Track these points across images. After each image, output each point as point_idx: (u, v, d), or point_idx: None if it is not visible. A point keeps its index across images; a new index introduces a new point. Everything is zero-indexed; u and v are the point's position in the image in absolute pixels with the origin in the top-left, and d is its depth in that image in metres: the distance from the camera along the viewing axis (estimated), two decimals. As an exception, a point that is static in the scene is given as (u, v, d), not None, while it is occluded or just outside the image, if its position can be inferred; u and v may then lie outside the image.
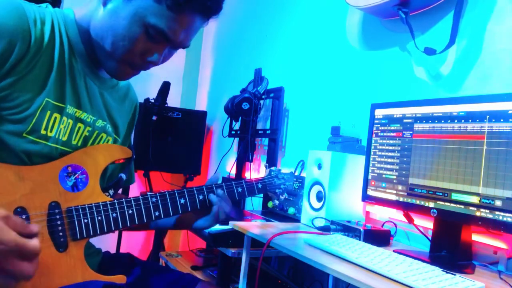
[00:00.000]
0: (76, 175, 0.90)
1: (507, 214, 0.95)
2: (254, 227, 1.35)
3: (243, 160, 2.24)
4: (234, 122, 2.33)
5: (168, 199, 0.98)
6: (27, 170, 0.84)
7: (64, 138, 0.91)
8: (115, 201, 0.93)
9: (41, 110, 0.84)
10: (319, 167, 1.46)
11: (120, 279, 0.91)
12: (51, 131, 0.87)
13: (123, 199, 0.93)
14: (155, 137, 2.55)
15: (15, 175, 0.82)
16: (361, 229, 1.21)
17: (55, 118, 0.87)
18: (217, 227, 1.52)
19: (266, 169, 1.27)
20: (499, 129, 0.99)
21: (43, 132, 0.86)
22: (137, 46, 0.87)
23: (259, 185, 1.14)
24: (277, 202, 1.27)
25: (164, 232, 2.68)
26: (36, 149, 0.86)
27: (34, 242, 0.70)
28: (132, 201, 0.94)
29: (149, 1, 0.83)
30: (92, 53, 0.93)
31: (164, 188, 2.75)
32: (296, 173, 1.88)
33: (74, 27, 0.90)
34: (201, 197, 1.02)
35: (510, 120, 0.97)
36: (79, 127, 0.94)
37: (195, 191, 1.01)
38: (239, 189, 1.09)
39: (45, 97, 0.85)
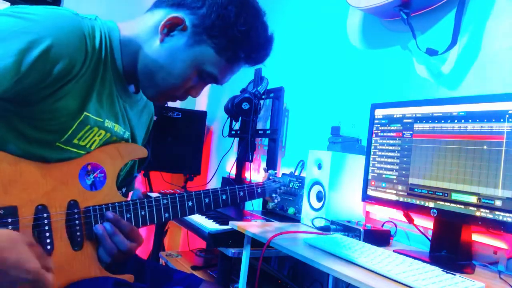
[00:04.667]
0: (95, 174, 0.92)
1: (507, 214, 0.95)
2: (254, 227, 1.35)
3: (243, 160, 2.24)
4: (234, 122, 2.33)
5: (178, 202, 1.01)
6: (49, 167, 0.85)
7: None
8: (130, 201, 0.95)
9: (79, 123, 0.85)
10: (319, 167, 1.46)
11: (129, 278, 0.93)
12: (83, 140, 0.89)
13: (137, 200, 0.96)
14: (155, 137, 2.55)
15: (39, 172, 0.84)
16: (361, 229, 1.21)
17: (93, 130, 0.89)
18: (217, 227, 1.52)
19: (265, 172, 1.28)
20: (499, 129, 0.99)
21: (75, 141, 0.87)
22: (186, 84, 0.92)
23: (259, 190, 1.19)
24: (271, 205, 1.29)
25: (164, 232, 2.68)
26: (67, 157, 0.87)
27: (52, 278, 0.70)
28: (145, 203, 0.96)
29: (210, 51, 0.89)
30: (128, 71, 0.93)
31: (164, 188, 2.76)
32: (296, 173, 1.88)
33: (117, 43, 0.90)
34: (207, 200, 1.05)
35: (510, 120, 0.97)
36: (113, 139, 0.96)
37: (202, 194, 1.04)
38: (241, 193, 1.13)
39: (85, 111, 0.85)
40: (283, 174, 1.81)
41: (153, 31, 0.90)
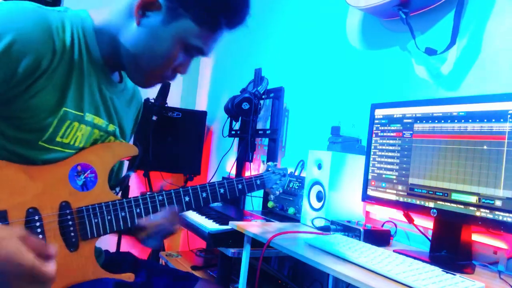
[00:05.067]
0: (86, 174, 0.91)
1: (507, 214, 0.95)
2: (254, 227, 1.35)
3: (243, 160, 2.24)
4: (234, 122, 2.33)
5: (174, 197, 1.00)
6: (37, 170, 0.84)
7: (81, 145, 0.92)
8: (124, 200, 0.94)
9: (59, 119, 0.83)
10: (319, 167, 1.46)
11: (129, 277, 0.93)
12: (66, 138, 0.87)
13: (131, 198, 0.95)
14: (155, 137, 2.55)
15: (26, 175, 0.82)
16: (361, 229, 1.21)
17: (73, 126, 0.87)
18: (217, 227, 1.52)
19: (263, 164, 1.27)
20: (501, 129, 0.99)
21: (58, 139, 0.85)
22: (173, 62, 0.90)
23: (258, 181, 1.15)
24: (272, 197, 1.27)
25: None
26: (53, 156, 0.86)
27: (51, 267, 0.69)
28: (140, 200, 0.96)
29: (190, 24, 0.85)
30: (109, 59, 0.91)
31: (164, 188, 2.75)
32: (296, 173, 1.88)
33: (91, 33, 0.88)
34: (204, 194, 1.04)
35: (510, 120, 0.97)
36: (95, 133, 0.94)
37: (198, 189, 1.03)
38: (239, 186, 1.10)
39: (63, 106, 0.83)
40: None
41: (127, 15, 0.87)
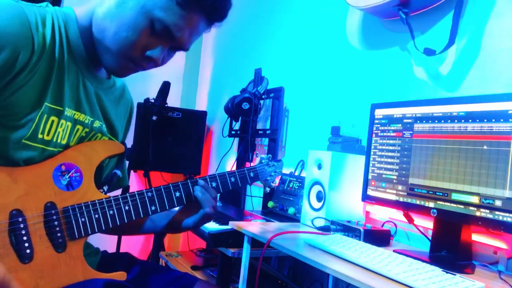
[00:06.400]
0: (70, 174, 0.89)
1: (507, 214, 0.95)
2: (254, 227, 1.35)
3: (243, 160, 2.24)
4: (234, 122, 2.33)
5: (164, 193, 0.97)
6: (20, 171, 0.82)
7: (64, 142, 0.90)
8: (111, 198, 0.92)
9: (40, 115, 0.82)
10: (319, 167, 1.46)
11: (120, 275, 0.91)
12: (48, 135, 0.85)
13: (119, 196, 0.93)
14: (155, 137, 2.55)
15: (8, 177, 0.81)
16: (361, 229, 1.21)
17: (52, 121, 0.85)
18: (217, 227, 1.52)
19: (256, 157, 1.26)
20: (506, 129, 0.99)
21: (40, 136, 0.84)
22: (140, 39, 0.84)
23: (251, 174, 1.13)
24: (268, 189, 1.26)
25: (164, 232, 2.68)
26: (34, 155, 0.84)
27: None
28: (128, 197, 0.93)
29: None
30: (92, 52, 0.91)
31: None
32: (296, 173, 1.88)
33: (75, 27, 0.88)
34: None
35: (510, 120, 0.97)
36: (78, 129, 0.92)
37: (189, 183, 1.01)
38: (232, 179, 1.08)
39: (44, 101, 0.82)
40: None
41: None
